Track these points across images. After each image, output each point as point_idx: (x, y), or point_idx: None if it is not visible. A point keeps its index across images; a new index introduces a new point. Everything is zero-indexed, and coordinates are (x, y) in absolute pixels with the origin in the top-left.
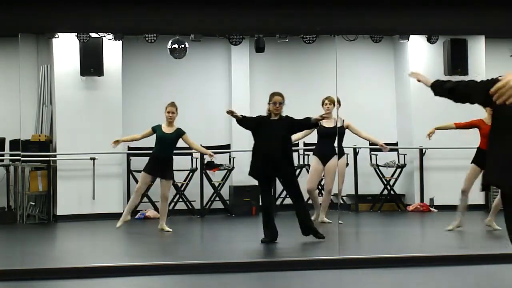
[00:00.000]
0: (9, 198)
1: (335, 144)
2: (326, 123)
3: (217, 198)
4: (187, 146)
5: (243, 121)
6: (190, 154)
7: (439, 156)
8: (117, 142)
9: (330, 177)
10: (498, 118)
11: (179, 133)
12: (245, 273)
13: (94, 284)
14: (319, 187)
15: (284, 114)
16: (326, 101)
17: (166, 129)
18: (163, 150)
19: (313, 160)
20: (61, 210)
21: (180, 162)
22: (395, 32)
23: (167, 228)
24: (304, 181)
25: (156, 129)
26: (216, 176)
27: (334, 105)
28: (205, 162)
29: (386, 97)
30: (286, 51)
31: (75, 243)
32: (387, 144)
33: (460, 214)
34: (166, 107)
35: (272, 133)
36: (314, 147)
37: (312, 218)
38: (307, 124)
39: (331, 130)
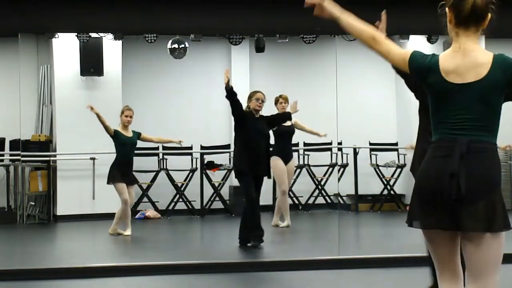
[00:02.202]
0: (9, 198)
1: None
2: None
3: (217, 198)
4: (188, 146)
5: (235, 95)
6: (190, 154)
7: None
8: (92, 109)
9: (289, 179)
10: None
11: (138, 134)
12: (245, 273)
13: (94, 284)
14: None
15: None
16: (281, 100)
17: (125, 133)
18: (129, 154)
19: (276, 161)
20: (61, 210)
21: (180, 163)
22: (395, 32)
23: (120, 231)
24: (305, 181)
25: (117, 134)
26: (216, 176)
27: (288, 103)
28: (205, 162)
29: (386, 97)
30: (286, 51)
31: (75, 243)
32: (387, 144)
33: None
34: (124, 110)
35: (259, 131)
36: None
37: (285, 224)
38: (284, 117)
39: (290, 129)
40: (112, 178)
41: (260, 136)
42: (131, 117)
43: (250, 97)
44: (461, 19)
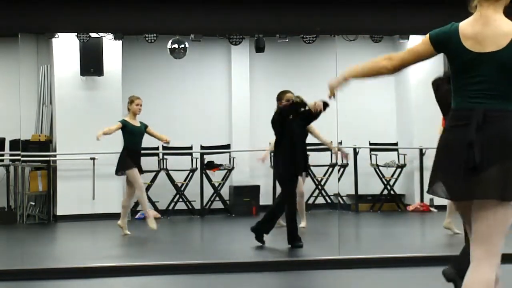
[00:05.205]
0: (9, 198)
1: None
2: None
3: (217, 198)
4: (188, 146)
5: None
6: (190, 154)
7: None
8: (99, 135)
9: (301, 180)
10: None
11: (145, 125)
12: (245, 273)
13: (94, 284)
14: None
15: None
16: (298, 100)
17: (134, 122)
18: (137, 142)
19: None
20: (61, 210)
21: (180, 162)
22: (395, 32)
23: (126, 230)
24: (309, 181)
25: (125, 124)
26: (216, 176)
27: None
28: (205, 162)
29: (386, 97)
30: (286, 51)
31: (75, 243)
32: (387, 144)
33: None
34: (134, 99)
35: (296, 133)
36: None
37: (303, 225)
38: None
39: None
40: (124, 166)
41: (298, 137)
42: (141, 105)
43: (280, 99)
44: None
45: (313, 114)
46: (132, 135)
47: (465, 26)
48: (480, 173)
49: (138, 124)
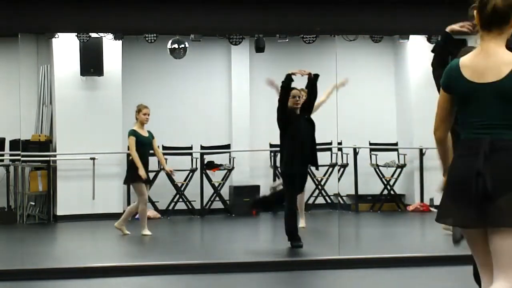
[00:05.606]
0: (9, 198)
1: None
2: None
3: (217, 198)
4: (188, 146)
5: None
6: (190, 154)
7: None
8: (144, 173)
9: None
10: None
11: (152, 136)
12: (245, 273)
13: (94, 284)
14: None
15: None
16: (303, 93)
17: (142, 132)
18: (146, 153)
19: None
20: (61, 210)
21: (180, 163)
22: (395, 32)
23: (126, 231)
24: (309, 181)
25: (136, 135)
26: (216, 176)
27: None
28: (205, 162)
29: (386, 97)
30: (286, 51)
31: (75, 243)
32: (387, 144)
33: None
34: (141, 109)
35: (303, 131)
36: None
37: (302, 224)
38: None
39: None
40: (133, 178)
41: (303, 134)
42: (149, 115)
43: None
44: (484, 21)
45: (311, 90)
46: (143, 145)
47: (466, 60)
48: (489, 202)
49: (147, 134)
